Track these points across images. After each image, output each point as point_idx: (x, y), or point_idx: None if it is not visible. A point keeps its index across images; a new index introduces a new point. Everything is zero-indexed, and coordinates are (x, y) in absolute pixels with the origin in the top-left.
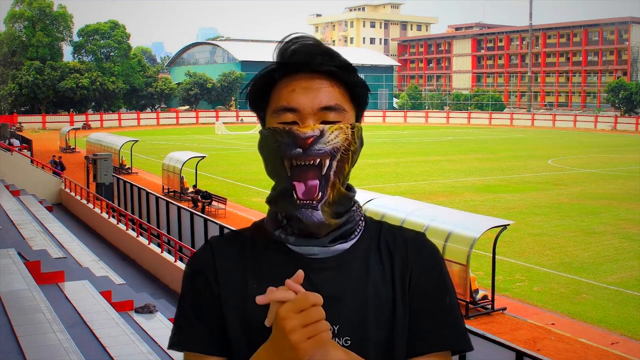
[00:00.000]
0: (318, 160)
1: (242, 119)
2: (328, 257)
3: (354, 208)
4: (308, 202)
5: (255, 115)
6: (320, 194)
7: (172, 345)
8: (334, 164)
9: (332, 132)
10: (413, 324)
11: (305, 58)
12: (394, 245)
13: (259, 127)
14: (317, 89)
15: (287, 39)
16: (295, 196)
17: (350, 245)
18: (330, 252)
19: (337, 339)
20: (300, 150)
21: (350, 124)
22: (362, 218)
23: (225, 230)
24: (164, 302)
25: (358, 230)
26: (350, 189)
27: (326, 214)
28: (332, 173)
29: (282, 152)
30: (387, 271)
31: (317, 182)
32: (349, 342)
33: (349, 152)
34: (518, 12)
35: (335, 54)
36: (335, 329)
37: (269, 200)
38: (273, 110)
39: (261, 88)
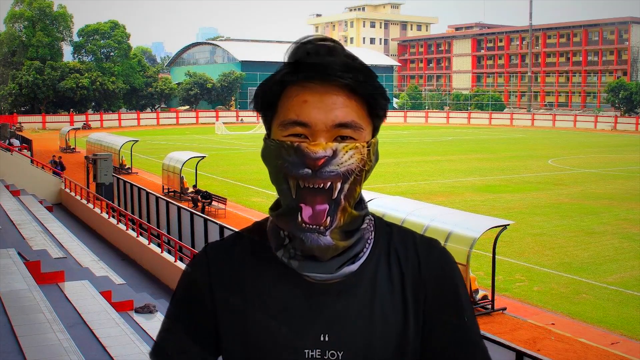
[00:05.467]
0: (329, 183)
1: (242, 119)
2: (333, 278)
3: (364, 225)
4: (314, 226)
5: (256, 115)
6: (329, 219)
7: (156, 355)
8: (346, 186)
9: (347, 152)
10: (429, 344)
11: (321, 68)
12: (406, 258)
13: (258, 126)
14: (332, 103)
15: (301, 42)
16: (300, 219)
17: (357, 267)
18: (336, 275)
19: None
20: (309, 171)
21: (367, 142)
22: (373, 229)
23: (226, 231)
24: (164, 302)
25: (367, 246)
26: (361, 204)
27: (334, 237)
28: (342, 196)
29: (288, 171)
30: (396, 291)
31: (326, 206)
32: None
33: (363, 172)
34: (518, 12)
35: (355, 62)
36: (340, 355)
37: (275, 214)
38: (281, 122)
39: (269, 94)
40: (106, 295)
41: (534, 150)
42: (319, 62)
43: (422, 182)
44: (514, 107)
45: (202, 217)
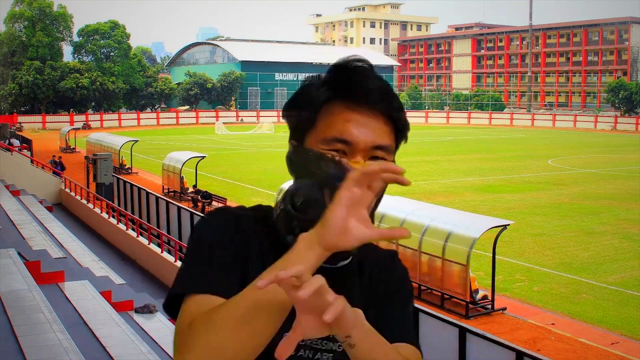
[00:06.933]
0: None
1: (242, 119)
2: (329, 267)
3: None
4: None
5: (256, 115)
6: None
7: (184, 288)
8: (375, 202)
9: None
10: (386, 322)
11: (365, 92)
12: (372, 264)
13: (258, 126)
14: (373, 126)
15: (345, 62)
16: None
17: (347, 262)
18: (335, 267)
19: (332, 344)
20: None
21: (393, 161)
22: None
23: None
24: None
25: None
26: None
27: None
28: (370, 211)
29: (327, 183)
30: (363, 284)
31: None
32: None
33: (384, 190)
34: (518, 12)
35: (391, 90)
36: (336, 345)
37: (304, 217)
38: (322, 138)
39: (311, 106)
40: (106, 295)
41: (534, 150)
42: (364, 87)
43: (422, 182)
44: (514, 107)
45: (202, 217)
